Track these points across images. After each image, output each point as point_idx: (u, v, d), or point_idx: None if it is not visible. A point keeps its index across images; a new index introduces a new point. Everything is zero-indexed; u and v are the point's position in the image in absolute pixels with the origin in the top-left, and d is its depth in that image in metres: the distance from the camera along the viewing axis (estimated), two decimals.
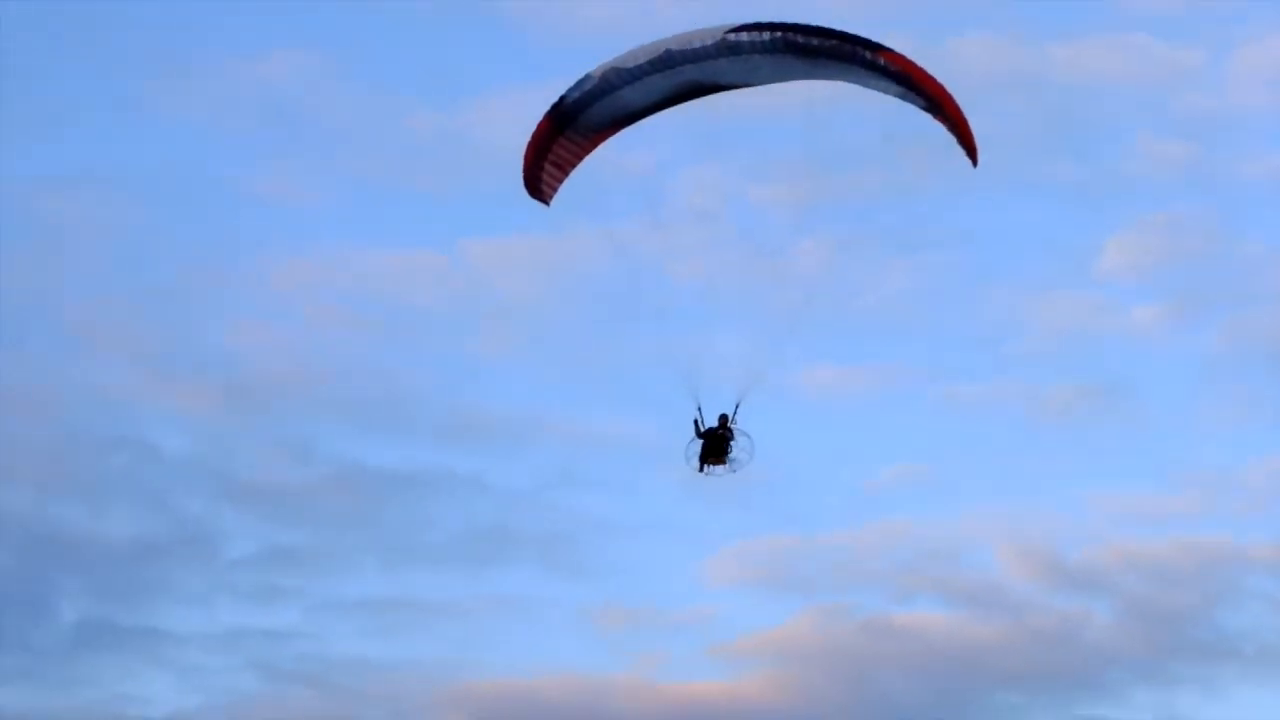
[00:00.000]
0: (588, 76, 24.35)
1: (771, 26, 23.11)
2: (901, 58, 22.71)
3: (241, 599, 38.90)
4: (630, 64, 23.99)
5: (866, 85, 23.60)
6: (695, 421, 24.84)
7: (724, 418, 24.89)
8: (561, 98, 24.56)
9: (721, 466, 24.68)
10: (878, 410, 44.02)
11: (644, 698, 37.92)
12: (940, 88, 22.80)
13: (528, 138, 24.78)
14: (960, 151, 23.10)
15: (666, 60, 23.77)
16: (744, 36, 23.19)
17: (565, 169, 25.43)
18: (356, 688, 37.17)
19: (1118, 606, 40.93)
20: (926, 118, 23.26)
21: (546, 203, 25.61)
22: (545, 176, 25.29)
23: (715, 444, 24.68)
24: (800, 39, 22.98)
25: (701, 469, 24.63)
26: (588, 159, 25.41)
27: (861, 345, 43.63)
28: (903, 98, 23.30)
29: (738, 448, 24.59)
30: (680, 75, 24.05)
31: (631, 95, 24.43)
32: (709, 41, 23.43)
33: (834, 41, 22.85)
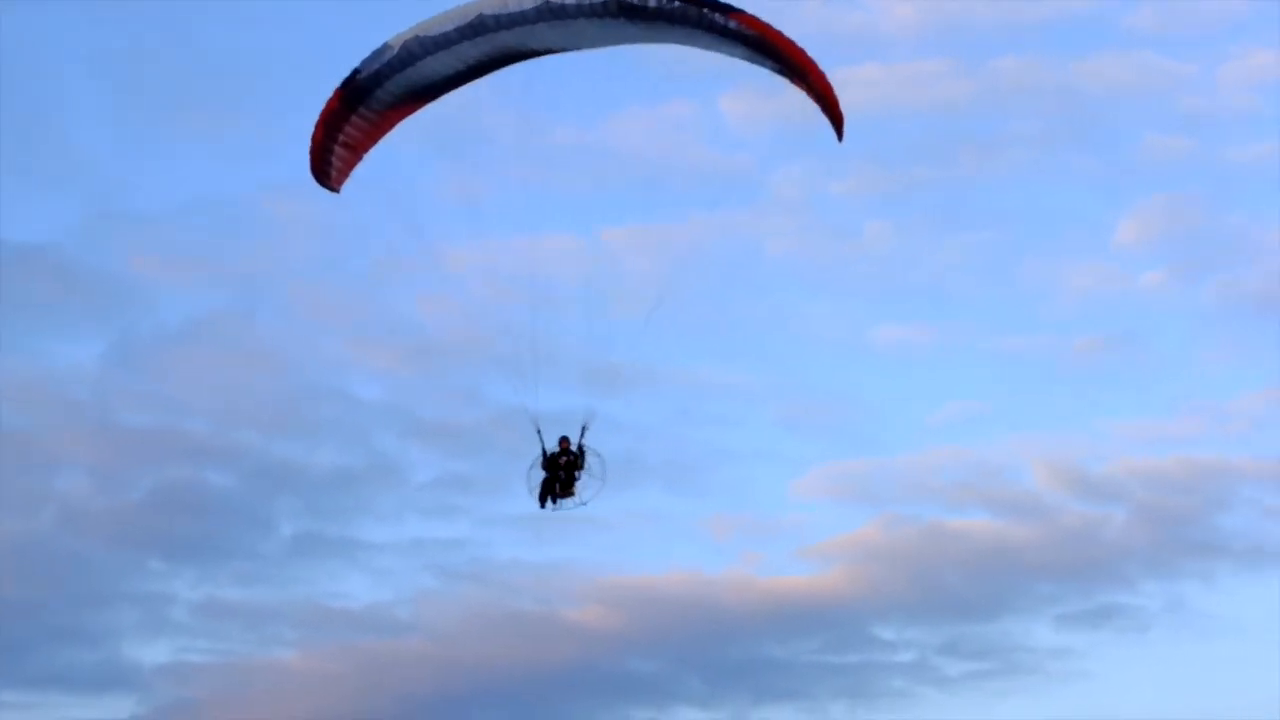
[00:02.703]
0: (386, 47, 20.34)
1: None
2: (756, 20, 19.57)
3: (423, 515, 47.48)
4: (435, 31, 20.16)
5: (709, 49, 20.74)
6: (543, 448, 21.92)
7: (565, 440, 21.94)
8: (355, 71, 20.47)
9: (570, 499, 21.93)
10: (936, 359, 52.79)
11: (746, 589, 47.01)
12: (803, 54, 19.81)
13: (316, 117, 21.12)
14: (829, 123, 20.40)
15: (478, 27, 20.08)
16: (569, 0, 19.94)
17: (358, 151, 21.56)
18: (514, 584, 45.80)
19: (1131, 512, 48.86)
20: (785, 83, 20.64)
21: (336, 190, 21.81)
22: (335, 160, 21.35)
23: (559, 473, 21.90)
24: (637, 1, 19.86)
25: (543, 504, 21.84)
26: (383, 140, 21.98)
27: (921, 307, 53.49)
28: (750, 60, 20.52)
29: (587, 475, 21.83)
30: (493, 42, 20.40)
31: (435, 66, 20.62)
32: (527, 5, 20.02)
33: (676, 3, 19.80)
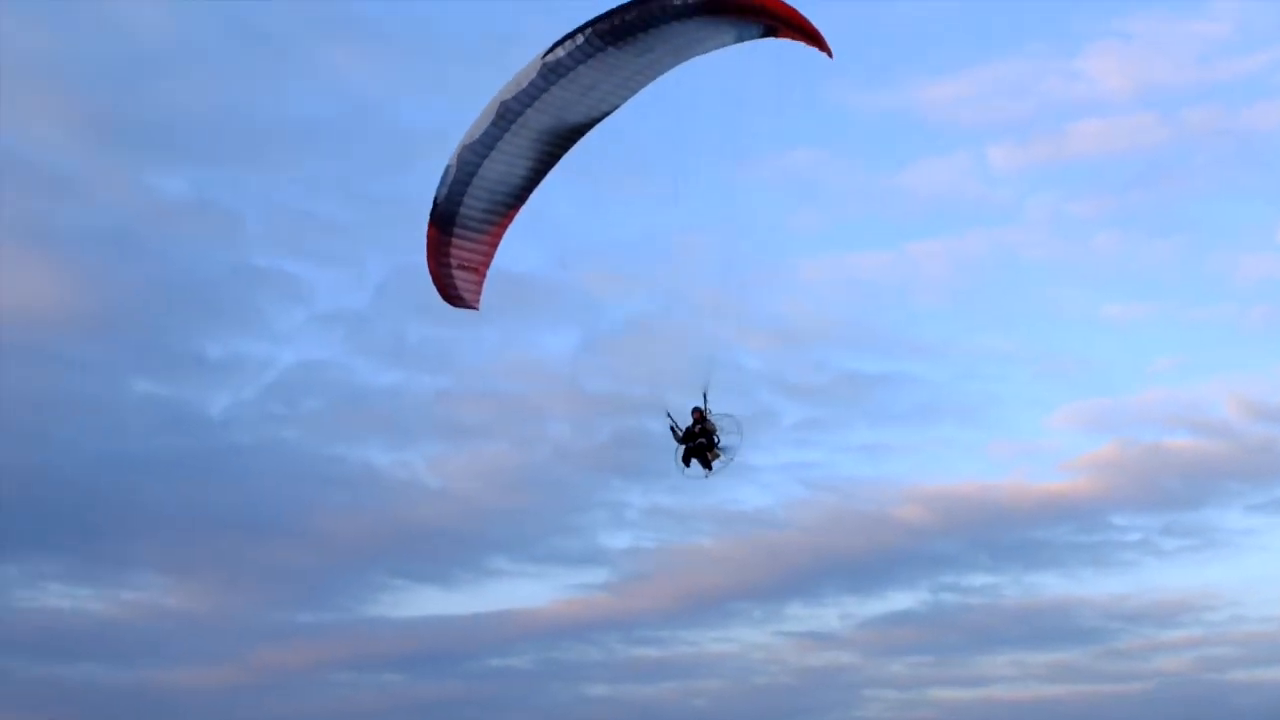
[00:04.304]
0: (448, 167, 22.74)
1: (579, 28, 21.83)
2: None
3: (792, 446, 68.12)
4: (476, 135, 22.31)
5: (699, 47, 22.05)
6: (671, 428, 23.01)
7: (698, 411, 23.00)
8: (434, 200, 23.07)
9: (719, 460, 22.97)
10: (1150, 326, 74.72)
11: (1019, 493, 68.89)
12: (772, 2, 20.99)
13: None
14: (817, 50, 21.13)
15: (504, 114, 22.24)
16: (559, 52, 21.75)
17: (479, 270, 23.60)
18: (855, 493, 68.02)
19: None
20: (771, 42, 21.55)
21: (475, 308, 24.08)
22: (460, 284, 23.51)
23: (699, 440, 22.89)
24: (605, 24, 21.51)
25: (708, 471, 23.07)
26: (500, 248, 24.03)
27: (1138, 290, 76.42)
28: (739, 39, 21.66)
29: (724, 434, 22.80)
30: (526, 126, 22.36)
31: (494, 170, 22.58)
32: (532, 73, 22.02)
33: (635, 10, 21.43)
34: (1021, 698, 63.66)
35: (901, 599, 69.69)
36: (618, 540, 68.56)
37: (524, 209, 23.76)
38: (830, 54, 20.94)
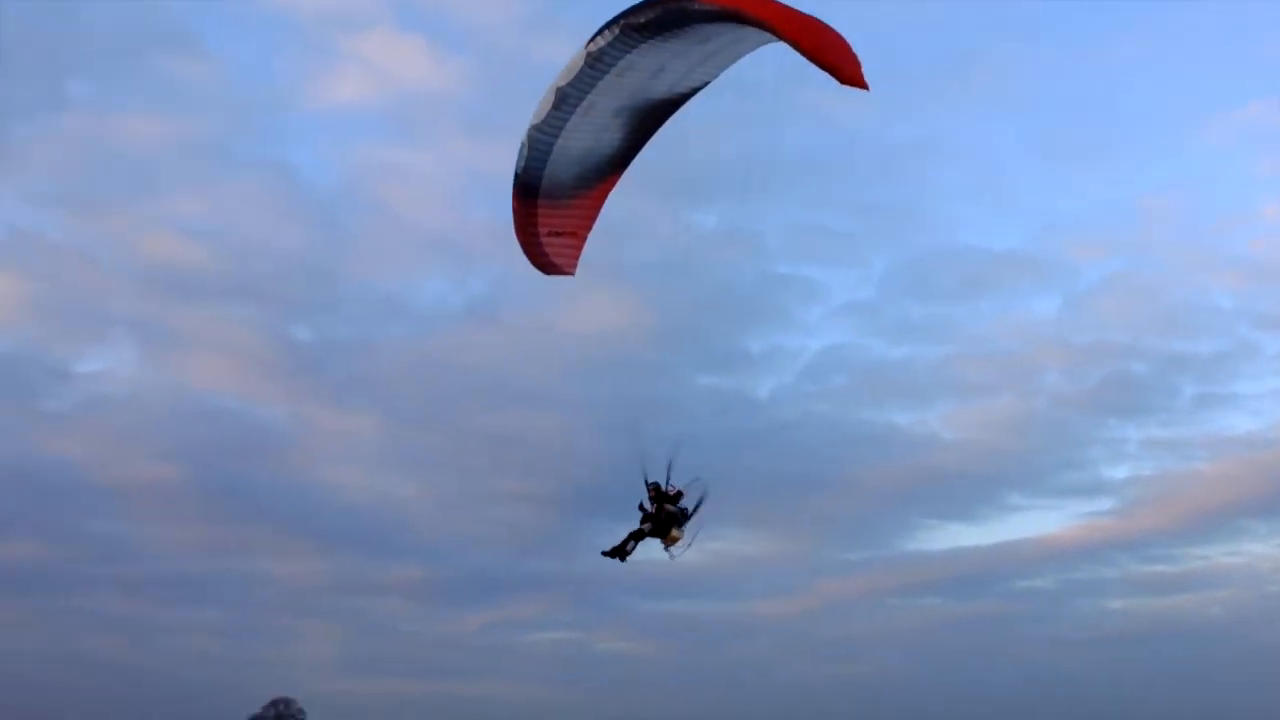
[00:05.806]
0: (521, 144, 22.16)
1: (612, 20, 20.33)
2: None
3: (1276, 374, 74.86)
4: (541, 115, 21.67)
5: (746, 44, 20.12)
6: (641, 504, 21.51)
7: (655, 487, 21.46)
8: (514, 173, 22.57)
9: (679, 545, 21.52)
10: None
11: None
12: (787, 17, 18.61)
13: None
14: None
15: (563, 99, 21.32)
16: (600, 42, 20.51)
17: (578, 234, 23.17)
18: None
19: None
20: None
21: (569, 273, 23.61)
22: (550, 250, 23.16)
23: (665, 524, 21.50)
24: (632, 18, 19.94)
25: (617, 555, 21.59)
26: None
27: None
28: (767, 43, 19.59)
29: (689, 506, 21.26)
30: (594, 108, 21.20)
31: (577, 144, 21.71)
32: (580, 62, 20.90)
33: (657, 9, 19.70)
34: None
35: None
36: (1118, 471, 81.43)
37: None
38: (866, 87, 18.31)
